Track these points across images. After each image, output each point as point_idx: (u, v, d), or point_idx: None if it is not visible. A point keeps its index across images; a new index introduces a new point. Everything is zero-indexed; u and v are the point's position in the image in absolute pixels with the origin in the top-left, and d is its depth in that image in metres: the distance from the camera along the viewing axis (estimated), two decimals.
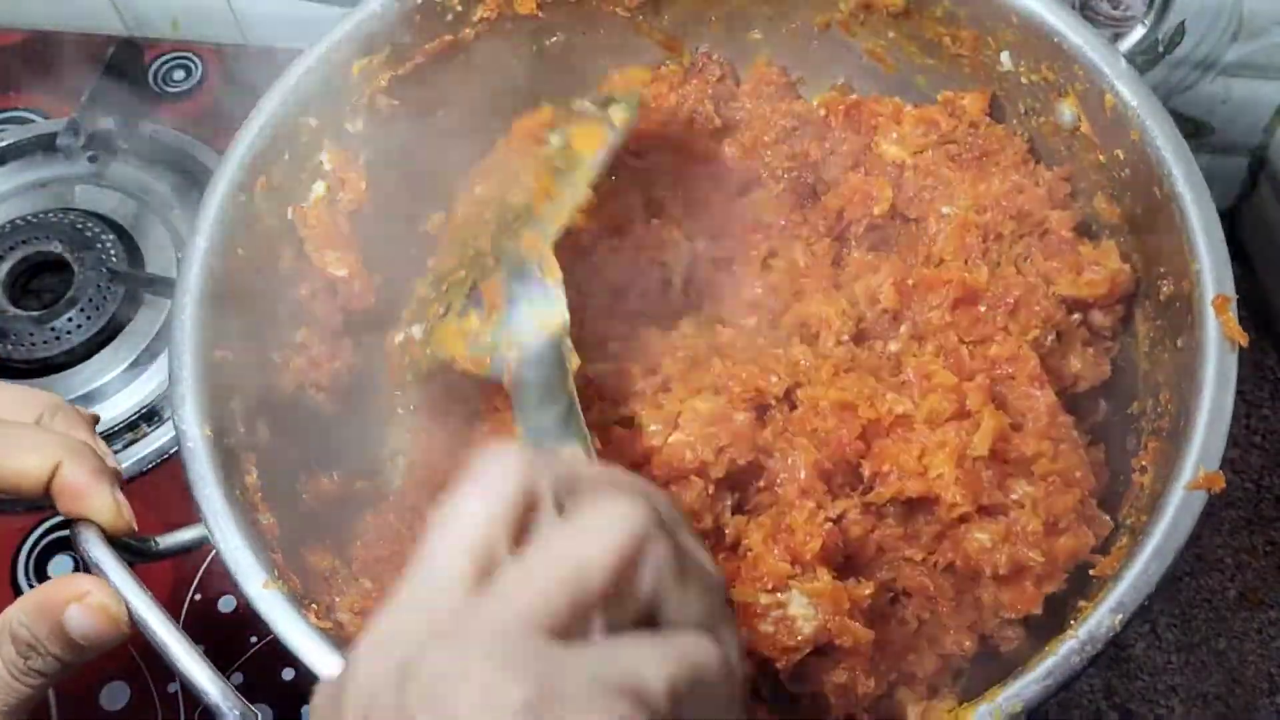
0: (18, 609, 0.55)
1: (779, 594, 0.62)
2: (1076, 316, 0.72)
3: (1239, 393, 0.94)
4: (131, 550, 0.59)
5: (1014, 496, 0.65)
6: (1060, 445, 0.66)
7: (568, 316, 0.64)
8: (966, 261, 0.72)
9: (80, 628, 0.54)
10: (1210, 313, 0.63)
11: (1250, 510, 0.89)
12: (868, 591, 0.63)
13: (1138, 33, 0.71)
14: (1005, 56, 0.75)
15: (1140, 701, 0.82)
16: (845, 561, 0.65)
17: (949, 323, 0.70)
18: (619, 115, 0.70)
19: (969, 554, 0.64)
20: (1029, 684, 0.56)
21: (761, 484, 0.67)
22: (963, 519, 0.65)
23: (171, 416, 0.66)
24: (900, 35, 0.79)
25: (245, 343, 0.71)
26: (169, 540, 0.62)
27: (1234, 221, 1.02)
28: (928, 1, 0.76)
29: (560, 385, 0.61)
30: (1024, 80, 0.75)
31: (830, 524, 0.64)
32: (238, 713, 0.55)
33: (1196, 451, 0.60)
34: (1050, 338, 0.70)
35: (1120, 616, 0.56)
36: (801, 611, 0.62)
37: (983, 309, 0.70)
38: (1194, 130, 0.95)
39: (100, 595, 0.55)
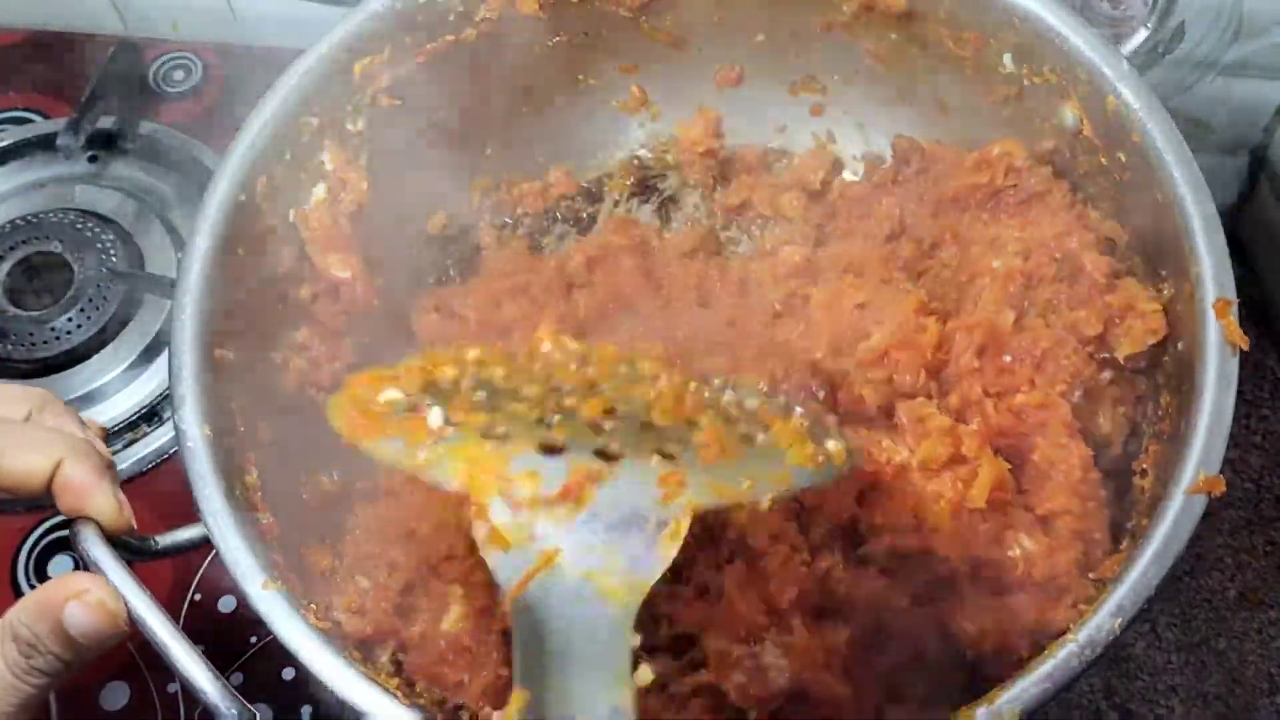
0: (18, 609, 0.55)
1: (753, 645, 0.60)
2: (1107, 374, 0.70)
3: (1239, 393, 0.94)
4: (131, 549, 0.59)
5: (1013, 553, 0.64)
6: (1088, 504, 0.65)
7: (649, 585, 0.47)
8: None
9: (79, 625, 0.54)
10: (1211, 316, 0.62)
11: (1250, 510, 0.89)
12: (844, 638, 0.62)
13: (1140, 35, 0.71)
14: (1008, 59, 0.75)
15: (1140, 701, 0.82)
16: (826, 603, 0.64)
17: (975, 369, 0.69)
18: (837, 451, 0.56)
19: (957, 635, 0.64)
20: (1028, 687, 0.56)
21: (731, 534, 0.65)
22: (953, 575, 0.64)
23: (172, 416, 0.66)
24: (902, 37, 0.79)
25: (245, 343, 0.71)
26: (168, 539, 0.63)
27: (1234, 221, 1.02)
28: (930, 3, 0.76)
29: (608, 660, 0.44)
30: (1026, 83, 0.75)
31: (805, 568, 0.63)
32: (234, 711, 0.55)
33: (1197, 455, 0.59)
34: (1078, 394, 0.69)
35: (1120, 620, 0.56)
36: (775, 662, 0.59)
37: (1008, 359, 0.69)
38: (1194, 130, 0.95)
39: (98, 592, 0.55)
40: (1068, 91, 0.72)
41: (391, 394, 0.54)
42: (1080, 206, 0.74)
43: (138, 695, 0.81)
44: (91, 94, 1.03)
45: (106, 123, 1.05)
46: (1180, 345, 0.66)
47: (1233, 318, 0.62)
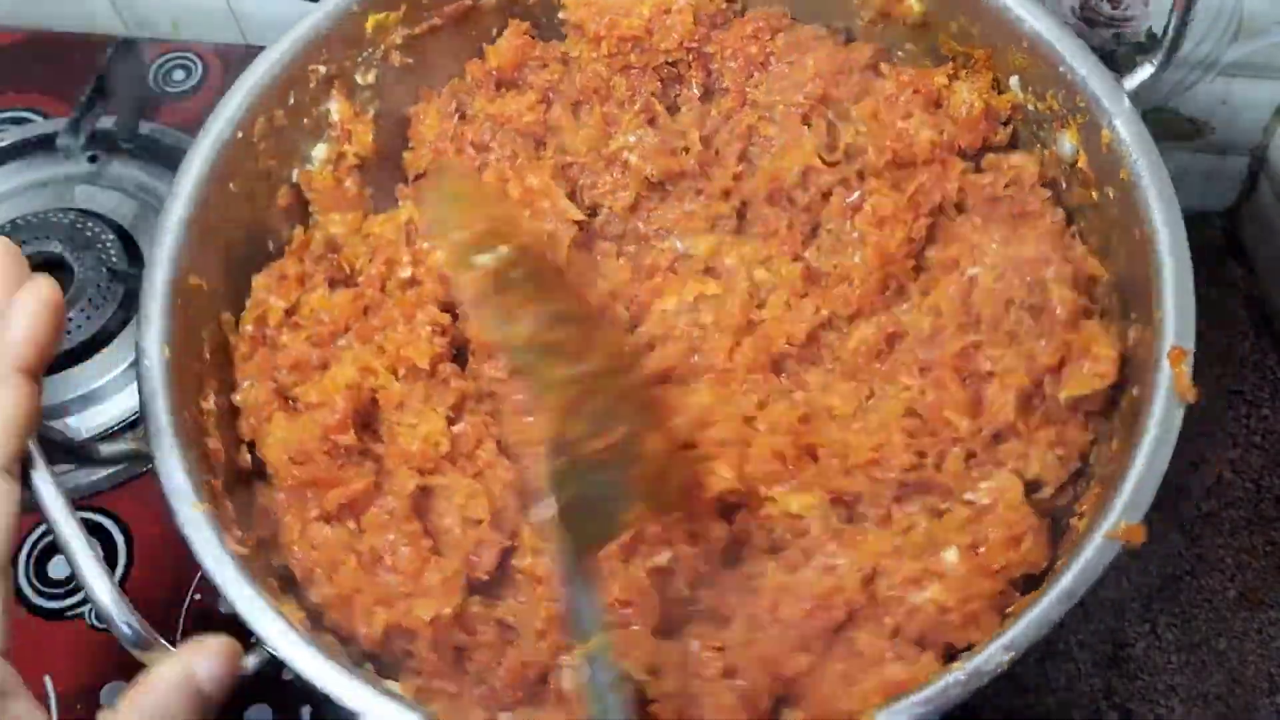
0: None
1: None
2: (1039, 416, 0.68)
3: (1239, 392, 0.95)
4: (71, 452, 0.62)
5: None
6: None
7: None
8: (959, 327, 0.70)
9: None
10: (1166, 364, 0.61)
11: (1250, 510, 0.89)
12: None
13: (1146, 71, 0.69)
14: (1014, 82, 0.74)
15: (1140, 701, 0.82)
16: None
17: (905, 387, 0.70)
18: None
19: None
20: (901, 711, 0.56)
21: None
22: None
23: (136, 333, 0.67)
24: (918, 49, 0.78)
25: (225, 273, 0.73)
26: (110, 447, 0.66)
27: (1234, 221, 1.02)
28: (943, 15, 0.75)
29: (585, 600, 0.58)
30: (1031, 107, 0.74)
31: None
32: (125, 622, 0.56)
33: (1125, 500, 0.59)
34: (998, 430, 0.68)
35: (1012, 655, 0.56)
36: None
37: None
38: (1194, 130, 0.96)
39: None
40: (1068, 120, 0.71)
41: (486, 259, 0.59)
42: (1070, 238, 0.72)
43: None
44: (91, 94, 1.03)
45: (106, 123, 1.05)
46: (1136, 391, 0.64)
47: (1185, 369, 0.60)
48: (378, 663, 0.66)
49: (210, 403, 0.69)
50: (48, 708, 0.81)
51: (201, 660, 0.55)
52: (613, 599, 0.64)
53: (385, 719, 0.58)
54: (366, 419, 0.72)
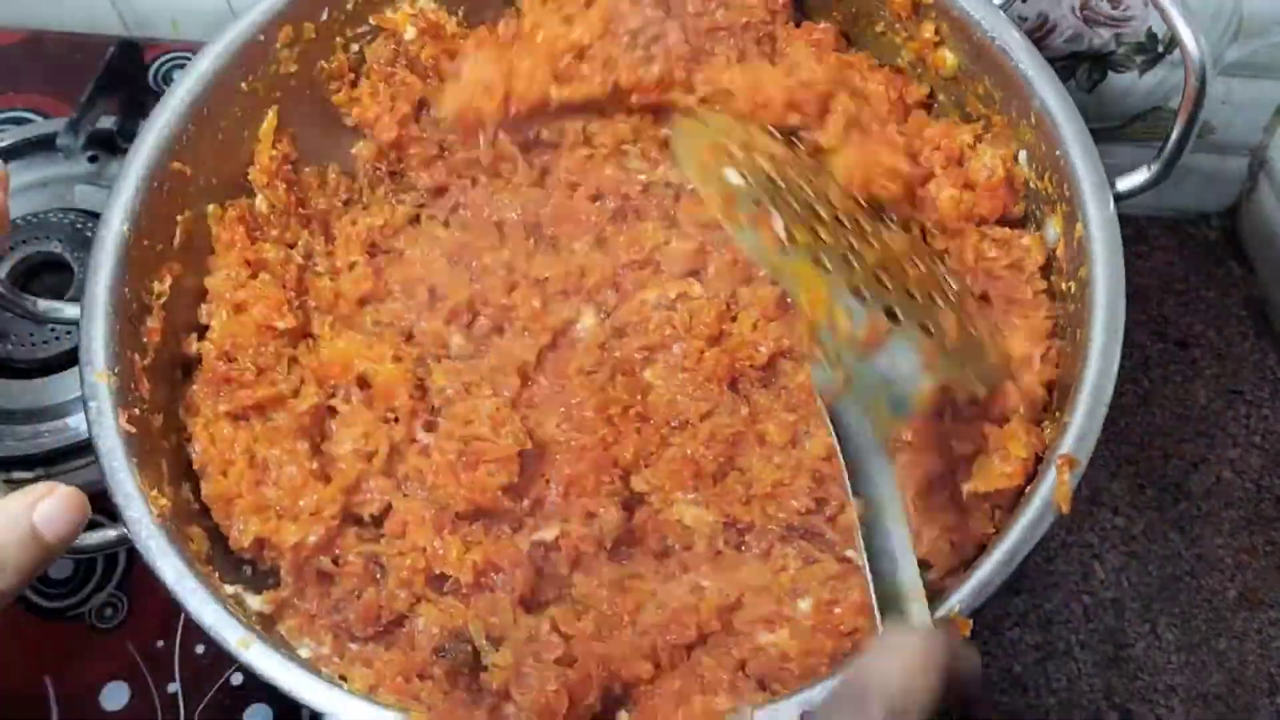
0: None
1: None
2: (942, 499, 0.67)
3: (1239, 392, 0.95)
4: (7, 304, 0.69)
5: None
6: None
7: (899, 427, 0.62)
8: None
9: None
10: (1052, 472, 0.60)
11: (1250, 510, 0.89)
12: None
13: (1140, 176, 0.67)
14: (1023, 156, 0.72)
15: (1140, 701, 0.82)
16: None
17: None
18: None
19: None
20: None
21: None
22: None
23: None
24: (948, 101, 0.77)
25: (214, 162, 0.75)
26: (48, 306, 0.72)
27: (1234, 221, 1.02)
28: (975, 73, 0.73)
29: (873, 460, 0.59)
30: (1032, 185, 0.72)
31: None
32: None
33: (961, 596, 0.58)
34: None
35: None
36: None
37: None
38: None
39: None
40: (1057, 206, 0.69)
41: (735, 178, 0.64)
42: (1046, 335, 0.69)
43: (138, 695, 0.81)
44: (91, 94, 1.03)
45: (106, 123, 1.05)
46: (1027, 489, 0.63)
47: (1069, 480, 0.59)
48: (252, 566, 0.69)
49: (165, 285, 0.71)
50: (48, 709, 0.81)
51: (44, 503, 0.56)
52: (485, 562, 0.65)
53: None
54: (307, 329, 0.74)
